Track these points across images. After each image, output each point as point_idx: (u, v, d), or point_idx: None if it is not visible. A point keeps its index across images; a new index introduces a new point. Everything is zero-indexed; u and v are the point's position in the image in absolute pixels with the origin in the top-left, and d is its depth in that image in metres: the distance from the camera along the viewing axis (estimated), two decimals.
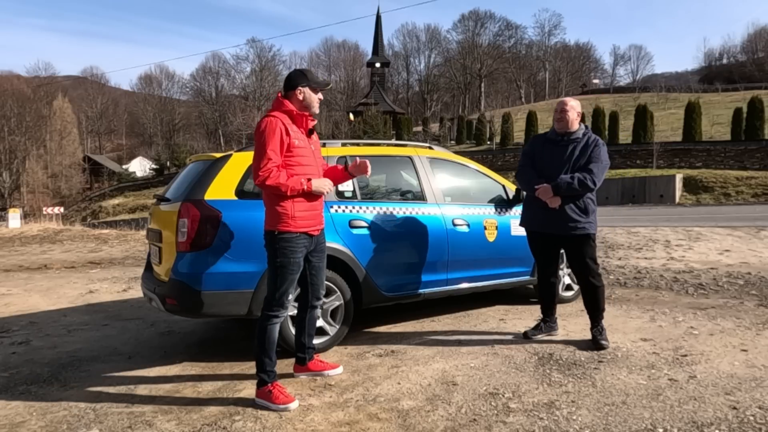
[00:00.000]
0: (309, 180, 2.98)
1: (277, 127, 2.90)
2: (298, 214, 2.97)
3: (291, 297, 3.07)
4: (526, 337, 4.01)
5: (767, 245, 8.21)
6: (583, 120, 3.96)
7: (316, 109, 3.12)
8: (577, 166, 3.76)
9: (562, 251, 4.35)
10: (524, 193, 4.83)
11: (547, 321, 4.07)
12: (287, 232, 2.95)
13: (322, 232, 3.25)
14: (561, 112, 3.84)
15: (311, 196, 3.03)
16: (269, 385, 2.97)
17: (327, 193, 3.14)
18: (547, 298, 4.09)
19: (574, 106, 3.86)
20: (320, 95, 3.13)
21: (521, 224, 4.16)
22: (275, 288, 2.99)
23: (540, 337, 4.00)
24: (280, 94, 3.07)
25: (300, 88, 3.03)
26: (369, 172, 3.27)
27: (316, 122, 3.17)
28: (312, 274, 3.23)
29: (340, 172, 3.34)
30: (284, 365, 3.50)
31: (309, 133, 3.12)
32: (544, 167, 3.88)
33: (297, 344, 3.42)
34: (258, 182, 2.90)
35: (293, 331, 3.49)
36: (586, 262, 3.81)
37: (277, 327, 3.05)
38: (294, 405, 2.92)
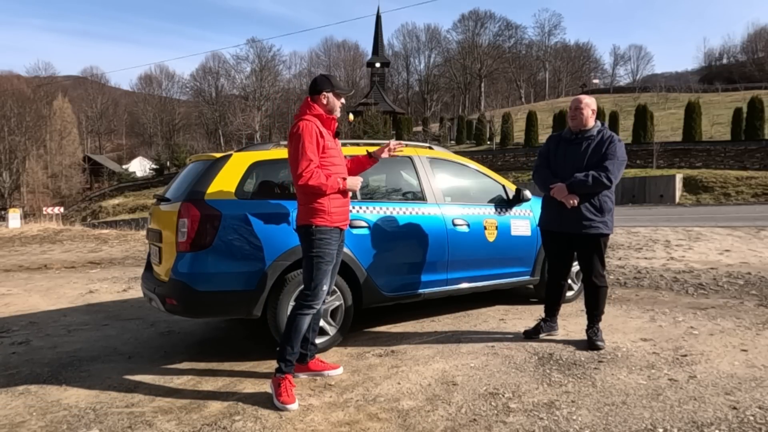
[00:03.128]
0: (344, 179, 3.17)
1: (313, 131, 3.08)
2: (334, 210, 3.14)
3: (326, 288, 3.19)
4: (526, 337, 4.01)
5: (767, 245, 8.21)
6: (599, 117, 3.90)
7: (338, 113, 3.29)
8: (591, 164, 3.70)
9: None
10: (524, 192, 4.85)
11: (548, 321, 4.06)
12: (323, 226, 3.11)
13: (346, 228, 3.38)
14: (575, 109, 3.79)
15: (344, 193, 3.21)
16: (282, 377, 3.04)
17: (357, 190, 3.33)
18: (553, 298, 4.07)
19: (589, 104, 3.80)
20: (342, 100, 3.29)
21: (539, 225, 4.14)
22: (310, 279, 3.12)
23: (540, 336, 4.00)
24: (308, 99, 3.21)
25: (325, 93, 3.21)
26: (393, 146, 3.53)
27: (336, 123, 3.34)
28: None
29: (365, 160, 3.53)
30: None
31: (335, 134, 3.29)
32: (559, 166, 3.85)
33: None
34: (301, 183, 3.04)
35: None
36: (593, 261, 3.78)
37: (308, 319, 3.15)
38: (293, 407, 2.93)
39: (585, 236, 3.74)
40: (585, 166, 3.71)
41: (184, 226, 3.49)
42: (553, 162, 3.92)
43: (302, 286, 3.22)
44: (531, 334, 4.01)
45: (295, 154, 3.06)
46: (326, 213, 3.11)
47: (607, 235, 3.80)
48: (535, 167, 4.05)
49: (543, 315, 4.12)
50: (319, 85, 3.20)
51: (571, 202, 3.70)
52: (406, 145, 4.73)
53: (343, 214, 3.22)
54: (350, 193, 3.32)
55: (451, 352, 3.77)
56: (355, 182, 3.25)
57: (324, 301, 3.76)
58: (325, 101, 3.20)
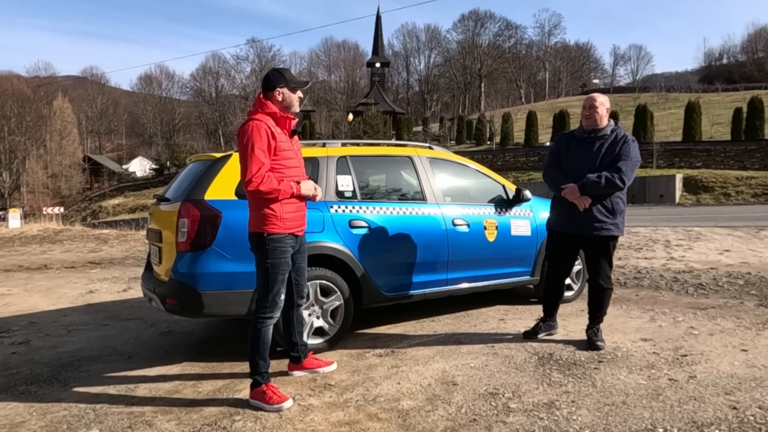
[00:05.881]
0: (298, 183, 3.00)
1: (263, 131, 2.87)
2: (287, 216, 2.99)
3: (282, 297, 3.08)
4: (526, 337, 4.00)
5: (767, 245, 8.21)
6: (613, 116, 3.83)
7: (297, 109, 3.09)
8: (604, 164, 3.61)
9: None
10: (524, 192, 4.85)
11: (547, 320, 4.04)
12: (276, 234, 2.96)
13: (304, 233, 3.24)
14: (590, 108, 3.69)
15: (299, 198, 3.04)
16: (263, 386, 2.98)
17: (313, 196, 3.09)
18: (553, 297, 4.02)
19: (603, 102, 3.70)
20: (300, 94, 3.09)
21: (547, 225, 4.06)
22: (267, 289, 3.00)
23: (540, 336, 3.99)
24: (261, 96, 3.03)
25: (278, 89, 3.00)
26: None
27: (297, 120, 3.15)
28: (296, 274, 3.23)
29: None
30: (284, 365, 3.50)
31: (291, 133, 3.10)
32: (570, 166, 3.76)
33: (288, 343, 3.43)
34: (251, 188, 2.85)
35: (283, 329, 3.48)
36: (601, 263, 3.73)
37: (271, 328, 3.06)
38: (288, 404, 2.91)
39: (595, 238, 3.68)
40: (597, 167, 3.62)
41: (184, 226, 3.49)
42: (564, 161, 3.83)
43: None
44: (530, 335, 4.00)
45: (243, 157, 2.85)
46: (279, 219, 2.93)
47: (617, 237, 3.74)
48: (546, 166, 3.96)
49: (542, 315, 4.11)
50: (272, 81, 2.98)
51: (584, 203, 3.63)
52: (405, 146, 4.75)
53: (297, 220, 3.05)
54: (309, 197, 3.11)
55: (451, 352, 3.77)
56: (309, 186, 3.03)
57: (323, 302, 3.78)
58: (280, 98, 2.99)
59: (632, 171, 3.60)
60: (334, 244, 3.82)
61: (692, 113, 31.68)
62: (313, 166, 3.91)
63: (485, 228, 4.64)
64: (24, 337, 4.63)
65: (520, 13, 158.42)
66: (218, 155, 3.88)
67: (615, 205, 3.66)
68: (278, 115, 2.99)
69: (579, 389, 3.03)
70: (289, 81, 3.02)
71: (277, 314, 3.07)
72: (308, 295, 3.67)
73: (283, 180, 2.94)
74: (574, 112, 40.02)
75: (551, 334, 4.04)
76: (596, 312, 3.82)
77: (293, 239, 3.07)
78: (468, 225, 4.52)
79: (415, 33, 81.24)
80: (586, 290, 4.03)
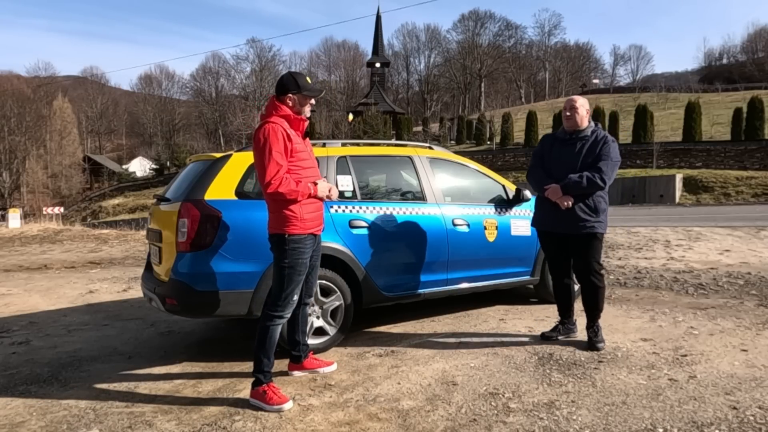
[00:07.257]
0: (315, 184, 3.05)
1: (279, 133, 2.91)
2: (307, 216, 3.02)
3: (296, 298, 3.09)
4: (544, 339, 3.96)
5: (767, 245, 8.21)
6: (598, 117, 3.89)
7: (308, 114, 3.14)
8: (585, 165, 3.71)
9: None
10: (524, 192, 4.85)
11: (566, 323, 4.01)
12: (297, 235, 2.99)
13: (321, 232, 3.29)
14: (570, 110, 3.79)
15: (316, 198, 3.08)
16: (264, 385, 2.99)
17: (327, 197, 3.17)
18: (562, 299, 4.02)
19: (583, 104, 3.81)
20: (312, 101, 3.14)
21: (533, 225, 4.12)
22: (281, 289, 3.01)
23: (560, 338, 3.95)
24: (274, 98, 3.06)
25: (291, 94, 3.04)
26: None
27: (307, 123, 3.19)
28: (308, 272, 3.24)
29: None
30: (283, 365, 3.50)
31: (304, 135, 3.15)
32: (553, 167, 3.84)
33: (290, 341, 3.43)
34: (270, 191, 2.89)
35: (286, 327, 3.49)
36: (589, 261, 3.77)
37: (279, 328, 3.08)
38: (288, 405, 2.91)
39: (580, 236, 3.74)
40: (579, 167, 3.72)
41: (184, 226, 3.49)
42: (547, 162, 3.92)
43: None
44: (548, 337, 3.96)
45: (261, 159, 2.89)
46: (299, 220, 2.97)
47: (602, 234, 3.80)
48: (530, 167, 4.06)
49: (559, 318, 4.05)
50: (285, 85, 3.03)
51: (566, 203, 3.70)
52: (405, 146, 4.75)
53: (316, 220, 3.09)
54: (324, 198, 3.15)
55: (451, 352, 3.77)
56: (324, 188, 3.09)
57: (323, 303, 3.79)
58: (291, 103, 3.03)
59: (612, 171, 3.71)
60: (334, 244, 3.82)
61: (692, 113, 31.69)
62: None
63: (485, 228, 4.64)
64: (24, 337, 4.63)
65: (520, 13, 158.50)
66: (218, 155, 3.89)
67: (597, 204, 3.73)
68: (292, 117, 3.03)
69: (579, 389, 3.03)
70: (302, 88, 3.05)
71: (288, 314, 3.09)
72: None
73: (301, 181, 2.97)
74: None
75: (570, 337, 4.00)
76: (593, 311, 3.83)
77: (312, 239, 3.11)
78: (468, 225, 4.52)
79: (415, 33, 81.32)
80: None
